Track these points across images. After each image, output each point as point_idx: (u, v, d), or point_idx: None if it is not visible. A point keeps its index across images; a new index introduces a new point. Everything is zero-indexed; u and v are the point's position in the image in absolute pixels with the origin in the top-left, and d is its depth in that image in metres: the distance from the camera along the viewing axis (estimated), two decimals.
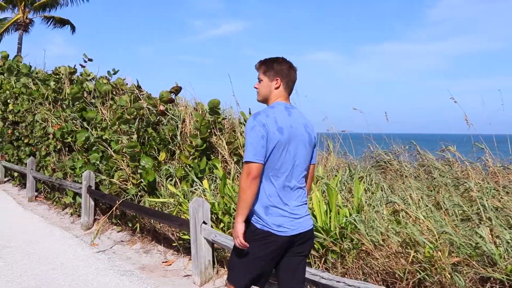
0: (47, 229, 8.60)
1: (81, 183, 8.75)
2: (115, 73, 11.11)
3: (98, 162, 8.63)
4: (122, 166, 7.78)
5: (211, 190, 6.69)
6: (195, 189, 6.94)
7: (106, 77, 11.12)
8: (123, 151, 7.91)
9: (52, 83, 11.20)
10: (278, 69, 3.34)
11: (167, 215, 6.28)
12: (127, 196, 7.44)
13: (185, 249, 6.47)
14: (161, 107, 8.59)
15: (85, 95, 10.28)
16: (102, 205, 8.85)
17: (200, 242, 5.54)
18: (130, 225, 7.69)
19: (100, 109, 9.53)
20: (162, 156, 7.80)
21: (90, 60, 12.04)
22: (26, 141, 12.03)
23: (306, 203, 3.36)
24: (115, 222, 8.08)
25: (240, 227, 3.15)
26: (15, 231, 8.36)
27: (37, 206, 11.09)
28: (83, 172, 8.73)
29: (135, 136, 7.97)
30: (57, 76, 11.26)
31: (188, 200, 6.59)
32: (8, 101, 12.90)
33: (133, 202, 7.31)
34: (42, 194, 11.72)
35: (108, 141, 8.54)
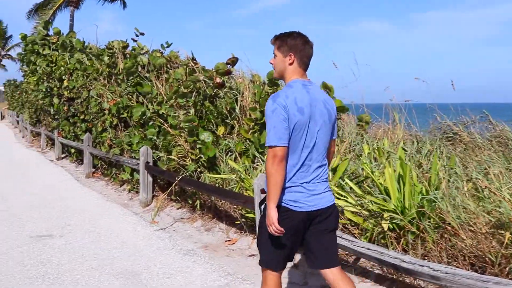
0: (106, 206, 8.57)
1: (138, 159, 8.65)
2: (168, 46, 10.87)
3: (155, 138, 8.47)
4: (180, 142, 7.58)
5: None
6: (256, 164, 6.68)
7: (159, 50, 10.89)
8: (181, 125, 7.70)
9: (106, 58, 11.07)
10: (292, 44, 3.24)
11: (230, 192, 6.04)
12: (186, 172, 7.25)
13: (248, 227, 6.25)
14: (218, 80, 8.31)
15: (139, 69, 10.11)
16: (160, 181, 8.74)
17: None
18: (190, 202, 7.53)
19: (155, 83, 9.35)
20: (221, 130, 7.56)
21: (142, 34, 11.83)
22: (82, 117, 12.05)
23: (326, 180, 3.31)
24: (174, 199, 7.94)
25: (273, 214, 3.08)
26: (75, 208, 8.36)
27: (95, 182, 11.12)
28: (140, 148, 8.62)
29: (192, 110, 7.74)
30: (111, 51, 11.12)
31: (250, 176, 6.35)
32: (63, 77, 12.90)
33: (193, 178, 7.12)
34: (99, 170, 11.76)
35: (165, 115, 8.36)
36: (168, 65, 10.18)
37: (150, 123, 8.77)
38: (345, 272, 3.38)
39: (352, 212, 5.06)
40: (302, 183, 3.16)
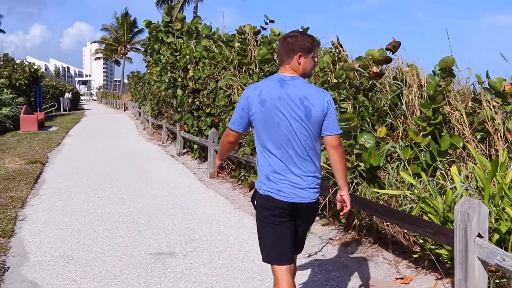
0: (235, 216, 7.43)
1: None
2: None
3: None
4: None
5: (466, 181, 4.85)
6: (436, 179, 5.15)
7: None
8: None
9: (236, 45, 9.96)
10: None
11: (413, 218, 4.49)
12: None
13: (430, 262, 4.74)
14: (375, 69, 6.85)
15: (275, 57, 8.86)
16: None
17: (472, 264, 3.75)
18: (343, 220, 6.12)
19: None
20: (382, 131, 6.09)
21: (272, 21, 10.73)
22: (207, 110, 11.02)
23: (310, 176, 3.28)
24: (319, 212, 6.56)
25: (217, 162, 3.97)
26: (200, 217, 7.29)
27: (220, 184, 10.06)
28: None
29: (349, 106, 6.34)
30: (242, 36, 9.98)
31: (431, 195, 4.83)
32: (188, 66, 11.99)
33: (350, 192, 5.70)
34: (225, 170, 10.67)
35: None
36: None
37: None
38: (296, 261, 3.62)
39: None
40: (284, 174, 3.22)
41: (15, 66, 30.13)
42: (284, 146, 3.19)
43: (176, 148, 15.20)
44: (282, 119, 3.16)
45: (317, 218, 6.72)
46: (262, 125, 3.21)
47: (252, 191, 3.58)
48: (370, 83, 6.94)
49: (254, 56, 9.31)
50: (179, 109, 14.11)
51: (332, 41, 8.64)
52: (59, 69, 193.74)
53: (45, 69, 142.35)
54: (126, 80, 65.40)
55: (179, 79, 12.66)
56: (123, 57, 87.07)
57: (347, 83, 6.72)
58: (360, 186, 5.74)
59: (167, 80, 13.66)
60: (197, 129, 12.27)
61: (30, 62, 32.81)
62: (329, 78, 7.21)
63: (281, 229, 3.27)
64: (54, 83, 49.46)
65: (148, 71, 18.01)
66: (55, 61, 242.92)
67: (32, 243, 6.07)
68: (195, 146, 12.97)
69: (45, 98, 41.75)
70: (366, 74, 6.94)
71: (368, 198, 5.45)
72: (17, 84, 27.42)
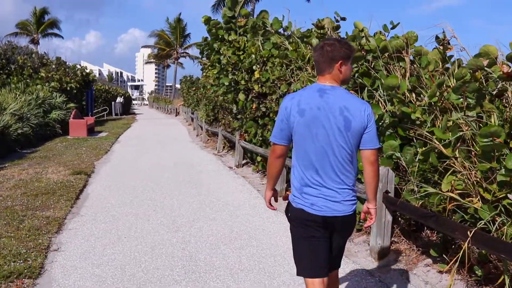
0: None
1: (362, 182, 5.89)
2: (393, 28, 8.09)
3: (397, 154, 5.67)
4: (459, 167, 4.68)
5: None
6: None
7: (381, 32, 8.17)
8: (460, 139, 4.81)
9: (314, 41, 8.51)
10: None
11: None
12: (475, 222, 4.33)
13: None
14: (505, 68, 5.32)
15: (363, 54, 7.39)
16: (401, 220, 5.93)
17: None
18: (478, 273, 4.55)
19: (392, 71, 6.59)
20: None
21: (343, 19, 9.42)
22: (275, 118, 9.60)
23: (346, 189, 3.21)
24: (437, 255, 5.02)
25: (267, 194, 3.55)
26: (275, 254, 5.90)
27: None
28: None
29: (494, 116, 4.79)
30: (321, 32, 8.52)
31: None
32: (254, 67, 10.60)
33: (491, 234, 4.16)
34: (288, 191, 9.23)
35: (418, 122, 5.52)
36: (403, 52, 7.36)
37: (387, 133, 5.98)
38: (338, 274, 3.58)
39: None
40: (317, 187, 3.17)
41: (67, 70, 29.59)
42: (320, 158, 3.14)
43: (234, 158, 13.87)
44: (321, 130, 3.12)
45: (427, 258, 5.21)
46: (299, 136, 3.17)
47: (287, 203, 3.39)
48: (498, 86, 5.41)
49: None
50: (239, 116, 12.76)
51: (436, 36, 7.09)
52: (112, 74, 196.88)
53: (99, 74, 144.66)
54: (178, 85, 65.10)
55: (242, 82, 11.27)
56: (175, 61, 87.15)
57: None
58: (505, 227, 4.20)
59: (227, 83, 12.30)
60: (261, 139, 10.86)
61: (82, 66, 32.32)
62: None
63: (315, 243, 3.24)
64: (106, 87, 49.43)
65: (204, 74, 16.85)
66: (108, 66, 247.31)
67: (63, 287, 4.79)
68: (258, 158, 11.56)
69: (97, 102, 41.61)
70: (494, 75, 5.42)
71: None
72: (68, 88, 26.78)
